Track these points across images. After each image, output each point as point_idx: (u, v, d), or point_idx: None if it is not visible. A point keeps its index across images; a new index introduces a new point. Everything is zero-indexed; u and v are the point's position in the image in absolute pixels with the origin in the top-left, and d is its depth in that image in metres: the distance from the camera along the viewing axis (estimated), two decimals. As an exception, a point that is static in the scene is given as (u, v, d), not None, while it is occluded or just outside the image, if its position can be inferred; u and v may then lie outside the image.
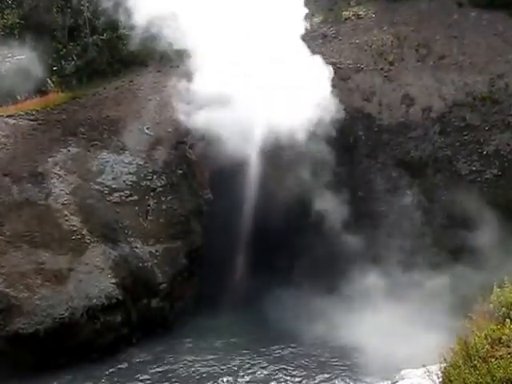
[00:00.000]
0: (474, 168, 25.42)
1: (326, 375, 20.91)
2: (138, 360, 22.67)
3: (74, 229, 24.17)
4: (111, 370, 21.97)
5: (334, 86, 27.35)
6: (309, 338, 22.98)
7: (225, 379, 21.17)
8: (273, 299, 24.42)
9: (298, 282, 24.92)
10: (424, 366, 13.57)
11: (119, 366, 22.27)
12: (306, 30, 28.50)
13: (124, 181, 25.79)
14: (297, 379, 20.97)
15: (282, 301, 24.36)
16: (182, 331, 24.14)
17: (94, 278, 23.25)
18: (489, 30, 28.28)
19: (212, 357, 22.69)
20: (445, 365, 12.62)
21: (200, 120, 25.50)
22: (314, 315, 23.41)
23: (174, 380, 21.38)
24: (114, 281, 23.49)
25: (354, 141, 27.30)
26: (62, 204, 24.66)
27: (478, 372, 11.39)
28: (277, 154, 25.82)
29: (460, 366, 11.89)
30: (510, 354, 11.60)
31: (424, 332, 20.25)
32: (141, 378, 21.57)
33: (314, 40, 29.94)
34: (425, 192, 25.84)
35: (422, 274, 23.92)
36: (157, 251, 24.76)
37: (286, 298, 24.51)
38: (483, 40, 27.95)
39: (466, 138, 25.90)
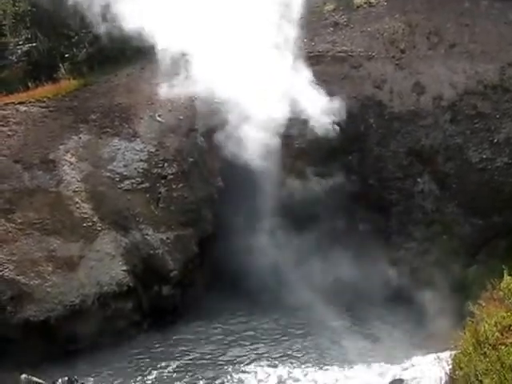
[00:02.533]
0: (484, 156, 25.35)
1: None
2: (148, 347, 22.79)
3: (85, 216, 24.28)
4: (122, 357, 22.13)
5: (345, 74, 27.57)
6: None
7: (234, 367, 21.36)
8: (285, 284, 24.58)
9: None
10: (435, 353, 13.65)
11: (130, 353, 22.42)
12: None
13: (135, 168, 25.83)
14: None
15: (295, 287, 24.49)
16: (193, 318, 24.25)
17: (105, 265, 23.40)
18: (500, 18, 28.12)
19: (222, 345, 22.87)
20: (455, 352, 12.67)
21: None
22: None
23: (183, 367, 21.55)
24: (125, 268, 23.62)
25: (364, 128, 27.28)
26: (74, 191, 24.77)
27: (487, 359, 11.43)
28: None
29: (470, 353, 11.94)
30: (519, 341, 11.66)
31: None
32: (152, 364, 21.75)
33: (326, 28, 29.87)
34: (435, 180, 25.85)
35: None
36: (168, 238, 24.81)
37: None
38: (494, 28, 27.79)
39: (476, 126, 25.83)
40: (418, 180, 26.04)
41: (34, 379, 18.49)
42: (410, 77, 27.50)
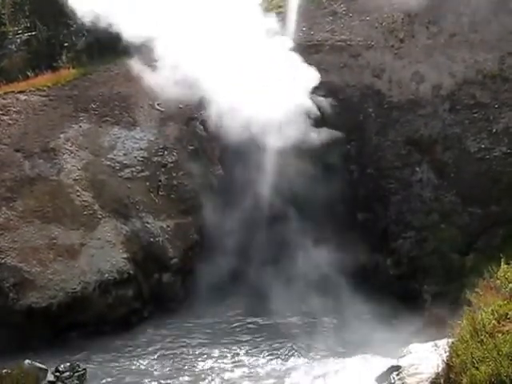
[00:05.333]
0: (483, 146, 25.38)
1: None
2: (149, 333, 22.99)
3: (86, 204, 24.43)
4: (123, 343, 22.32)
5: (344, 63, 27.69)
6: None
7: (236, 353, 21.60)
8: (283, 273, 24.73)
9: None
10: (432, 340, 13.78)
11: (131, 339, 22.60)
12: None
13: (135, 156, 25.99)
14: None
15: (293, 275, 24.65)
16: (193, 305, 24.39)
17: (105, 253, 23.56)
18: (500, 7, 28.09)
19: (222, 331, 23.09)
20: (452, 339, 12.82)
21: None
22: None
23: (183, 353, 21.73)
24: (125, 255, 23.79)
25: (363, 117, 27.37)
26: (74, 179, 24.91)
27: (484, 347, 11.57)
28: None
29: (467, 341, 12.07)
30: (516, 329, 11.80)
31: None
32: (152, 351, 21.94)
33: (324, 17, 29.93)
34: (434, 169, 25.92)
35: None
36: (168, 226, 24.98)
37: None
38: (494, 17, 27.79)
39: (475, 115, 25.87)
40: (417, 169, 26.09)
41: (37, 365, 18.67)
42: (409, 66, 27.55)
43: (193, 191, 25.99)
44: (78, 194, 24.62)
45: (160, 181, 25.79)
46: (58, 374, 19.09)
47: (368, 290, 23.38)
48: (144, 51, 26.82)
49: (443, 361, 12.68)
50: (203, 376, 20.26)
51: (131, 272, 23.67)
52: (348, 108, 27.21)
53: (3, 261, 22.35)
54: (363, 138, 27.26)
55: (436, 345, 13.75)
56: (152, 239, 24.66)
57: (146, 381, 20.02)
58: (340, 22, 29.83)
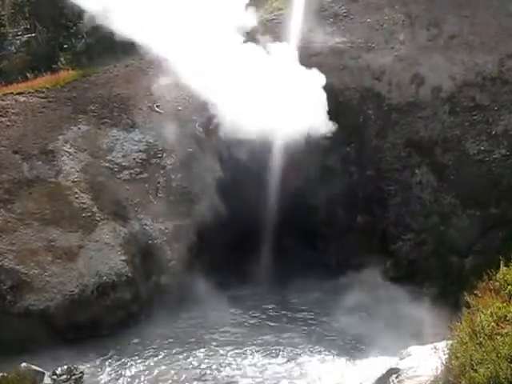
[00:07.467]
0: (482, 148, 25.36)
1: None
2: (146, 336, 22.89)
3: (85, 206, 24.36)
4: (120, 346, 22.23)
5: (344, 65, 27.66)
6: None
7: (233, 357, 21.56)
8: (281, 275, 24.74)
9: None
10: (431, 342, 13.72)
11: (129, 342, 22.51)
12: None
13: (134, 158, 25.94)
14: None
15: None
16: (192, 308, 24.33)
17: (104, 255, 23.47)
18: (500, 9, 28.14)
19: (220, 334, 23.00)
20: (451, 341, 12.76)
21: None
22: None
23: (181, 356, 21.65)
24: (123, 258, 23.69)
25: (363, 120, 27.34)
26: (73, 181, 24.86)
27: (483, 349, 11.51)
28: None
29: (466, 343, 12.01)
30: (515, 331, 11.73)
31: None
32: (150, 353, 21.85)
33: (325, 19, 29.88)
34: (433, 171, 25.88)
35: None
36: (166, 228, 24.90)
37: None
38: (494, 20, 27.81)
39: (475, 117, 25.85)
40: (416, 171, 26.08)
41: (34, 368, 18.56)
42: (409, 68, 27.54)
43: (192, 193, 25.91)
44: (77, 196, 24.56)
45: (159, 183, 25.72)
46: (54, 377, 18.94)
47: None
48: (143, 53, 26.82)
49: (442, 363, 12.62)
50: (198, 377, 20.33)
51: (129, 274, 23.57)
52: (348, 110, 27.14)
53: (1, 263, 22.29)
54: (363, 140, 27.25)
55: (435, 347, 13.67)
56: (150, 241, 24.59)
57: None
58: (340, 24, 29.83)
